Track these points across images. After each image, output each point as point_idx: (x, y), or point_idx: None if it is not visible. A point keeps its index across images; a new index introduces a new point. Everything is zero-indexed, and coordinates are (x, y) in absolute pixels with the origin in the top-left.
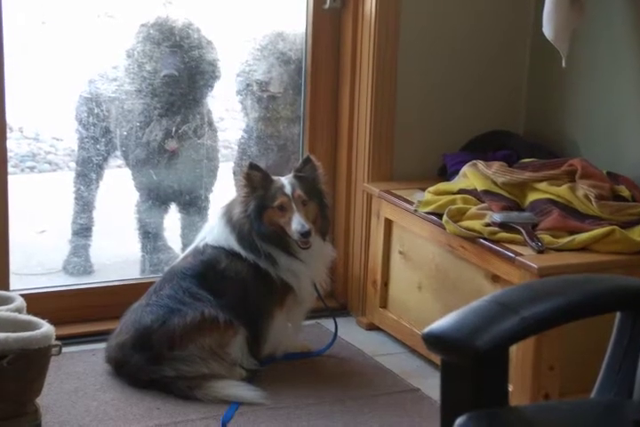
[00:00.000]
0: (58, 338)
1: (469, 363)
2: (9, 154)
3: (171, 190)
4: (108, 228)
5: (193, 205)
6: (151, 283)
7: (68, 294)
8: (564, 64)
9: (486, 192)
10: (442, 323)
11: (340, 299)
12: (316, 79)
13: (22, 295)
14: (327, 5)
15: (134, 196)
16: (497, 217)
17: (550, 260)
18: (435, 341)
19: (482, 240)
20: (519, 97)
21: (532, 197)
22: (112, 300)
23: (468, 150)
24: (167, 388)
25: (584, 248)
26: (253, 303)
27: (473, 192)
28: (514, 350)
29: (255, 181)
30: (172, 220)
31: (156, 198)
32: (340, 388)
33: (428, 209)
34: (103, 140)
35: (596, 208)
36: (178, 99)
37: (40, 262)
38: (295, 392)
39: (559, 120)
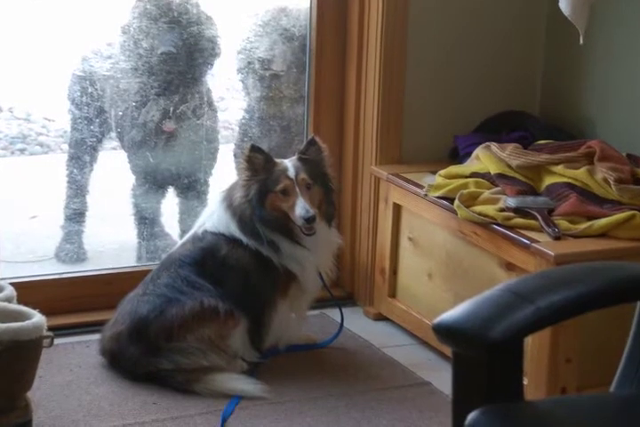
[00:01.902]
0: (50, 329)
1: (482, 355)
2: None
3: (168, 174)
4: (102, 213)
5: (192, 190)
6: (148, 271)
7: (61, 283)
8: (581, 41)
9: (500, 175)
10: (453, 313)
11: (346, 288)
12: (321, 57)
13: (12, 284)
14: None
15: (130, 179)
16: (511, 202)
17: (567, 247)
18: (446, 332)
19: (495, 226)
20: (534, 75)
21: (549, 180)
22: (106, 289)
23: (480, 132)
24: (164, 381)
25: (603, 234)
26: (255, 293)
27: (486, 176)
28: (529, 341)
29: (257, 163)
30: (170, 204)
31: (152, 182)
32: (346, 381)
33: (439, 193)
34: (97, 120)
35: (616, 192)
36: (176, 77)
37: (31, 249)
38: (299, 386)
39: (577, 100)
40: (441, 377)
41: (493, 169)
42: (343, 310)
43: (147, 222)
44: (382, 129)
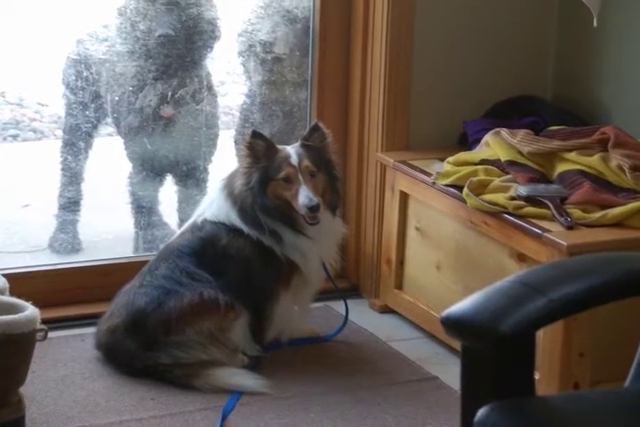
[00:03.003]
0: (43, 322)
1: (492, 349)
2: None
3: (166, 161)
4: (97, 202)
5: (191, 177)
6: (145, 262)
7: (55, 274)
8: (595, 23)
9: (511, 163)
10: (462, 305)
11: (351, 279)
12: (325, 39)
13: (4, 275)
14: None
15: (126, 167)
16: (522, 190)
17: (581, 236)
18: (454, 325)
19: (506, 215)
20: (546, 59)
21: (561, 168)
22: (102, 280)
23: (490, 117)
24: (162, 376)
25: (617, 224)
26: (257, 284)
27: (496, 163)
28: (541, 335)
29: (258, 150)
30: (168, 193)
31: (150, 170)
32: (351, 376)
33: (448, 181)
34: (93, 105)
35: (631, 180)
36: (174, 61)
37: (24, 239)
38: (302, 381)
39: (590, 84)
40: (449, 372)
41: (504, 156)
42: (348, 302)
43: (144, 211)
44: (388, 114)
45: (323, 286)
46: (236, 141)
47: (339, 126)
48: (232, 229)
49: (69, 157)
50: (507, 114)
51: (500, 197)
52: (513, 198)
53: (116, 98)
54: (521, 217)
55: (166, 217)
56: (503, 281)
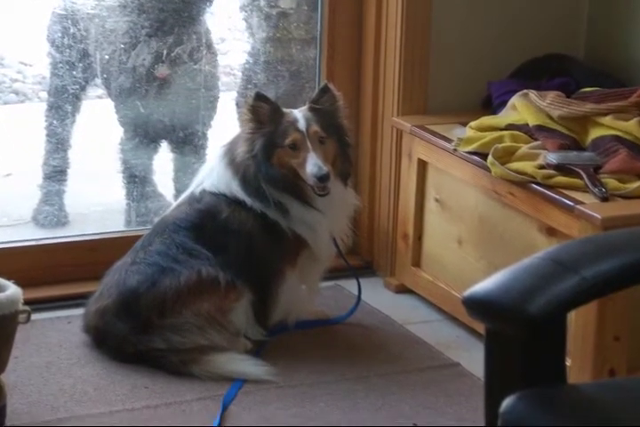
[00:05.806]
0: (26, 302)
1: (520, 332)
2: None
3: (161, 126)
4: (86, 171)
5: (188, 144)
6: (138, 237)
7: (39, 250)
8: None
9: (540, 128)
10: (486, 284)
11: (364, 256)
12: None
13: None
14: None
15: (117, 132)
16: (552, 158)
17: (616, 209)
18: (478, 306)
19: (534, 185)
20: (579, 14)
21: (595, 133)
22: (91, 257)
23: (517, 78)
24: (157, 362)
25: None
26: (260, 261)
27: (524, 128)
28: (573, 317)
29: (262, 114)
30: (164, 161)
31: (143, 135)
32: (363, 362)
33: (470, 148)
34: (80, 65)
35: None
36: (170, 16)
37: (5, 212)
38: (310, 368)
39: (626, 42)
40: (472, 357)
41: (532, 120)
42: (361, 280)
43: (137, 181)
44: (405, 75)
45: (333, 264)
46: (237, 104)
47: (350, 88)
48: (233, 201)
49: (55, 122)
50: (535, 74)
51: (527, 166)
52: (542, 167)
53: (106, 57)
54: (551, 187)
55: (161, 187)
56: (531, 258)
